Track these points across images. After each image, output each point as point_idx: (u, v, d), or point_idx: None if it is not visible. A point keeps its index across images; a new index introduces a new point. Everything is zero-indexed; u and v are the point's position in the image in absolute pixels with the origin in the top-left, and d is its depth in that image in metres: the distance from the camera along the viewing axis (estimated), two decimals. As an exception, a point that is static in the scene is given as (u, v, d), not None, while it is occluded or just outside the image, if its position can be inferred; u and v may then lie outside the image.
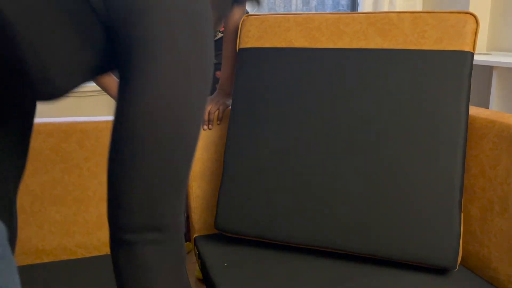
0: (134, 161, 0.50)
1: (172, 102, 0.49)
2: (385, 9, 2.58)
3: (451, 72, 0.92)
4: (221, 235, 1.06)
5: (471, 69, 0.92)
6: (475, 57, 2.00)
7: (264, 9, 2.64)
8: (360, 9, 2.66)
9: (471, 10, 2.31)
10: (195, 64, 0.50)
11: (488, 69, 2.26)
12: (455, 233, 0.86)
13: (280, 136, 0.97)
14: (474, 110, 0.98)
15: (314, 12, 1.11)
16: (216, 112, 1.12)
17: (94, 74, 0.54)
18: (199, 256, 1.00)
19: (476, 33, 0.94)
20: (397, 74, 0.94)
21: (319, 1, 2.88)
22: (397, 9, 2.57)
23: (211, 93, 1.28)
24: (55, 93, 0.50)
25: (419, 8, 2.58)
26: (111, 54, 0.52)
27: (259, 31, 1.06)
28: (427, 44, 0.95)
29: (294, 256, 0.94)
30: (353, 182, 0.92)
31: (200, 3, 0.51)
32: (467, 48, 0.93)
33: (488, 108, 2.21)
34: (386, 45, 0.97)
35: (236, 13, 1.13)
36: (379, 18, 0.99)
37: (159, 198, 0.52)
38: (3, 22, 0.42)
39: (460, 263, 0.95)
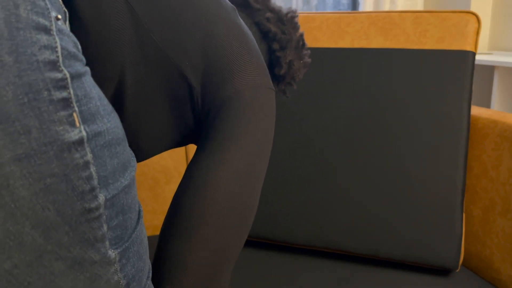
0: (205, 230, 0.48)
1: (248, 176, 0.52)
2: (386, 8, 2.58)
3: (452, 72, 0.91)
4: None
5: (473, 68, 0.92)
6: (477, 57, 1.99)
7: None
8: (361, 9, 2.65)
9: (472, 9, 2.30)
10: (267, 149, 0.55)
11: (490, 69, 2.25)
12: (457, 233, 0.86)
13: (280, 136, 0.97)
14: (476, 110, 0.98)
15: (315, 11, 1.10)
16: None
17: (172, 147, 0.59)
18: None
19: (478, 33, 0.93)
20: (398, 74, 0.94)
21: (320, 0, 2.88)
22: (398, 9, 2.56)
23: None
24: (138, 157, 0.56)
25: (420, 7, 2.58)
26: (192, 134, 0.57)
27: (260, 30, 1.05)
28: (429, 44, 0.94)
29: (295, 256, 0.93)
30: (354, 182, 0.91)
31: (272, 99, 0.57)
32: (469, 47, 0.92)
33: (489, 108, 2.20)
34: (387, 45, 0.97)
35: None
36: (380, 18, 0.99)
37: (218, 273, 0.50)
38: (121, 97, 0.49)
39: (462, 264, 0.95)
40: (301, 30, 0.69)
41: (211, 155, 0.51)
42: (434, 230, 0.86)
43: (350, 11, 1.03)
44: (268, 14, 0.66)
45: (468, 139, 0.89)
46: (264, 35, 0.66)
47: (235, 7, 0.60)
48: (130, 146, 0.53)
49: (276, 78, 0.70)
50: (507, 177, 0.85)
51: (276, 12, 0.67)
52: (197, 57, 0.52)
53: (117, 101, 0.49)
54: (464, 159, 0.88)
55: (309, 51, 0.71)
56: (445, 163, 0.88)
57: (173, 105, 0.53)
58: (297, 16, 0.69)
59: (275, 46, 0.66)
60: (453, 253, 0.85)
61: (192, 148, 1.17)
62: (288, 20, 0.67)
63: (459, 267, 0.86)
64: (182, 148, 1.16)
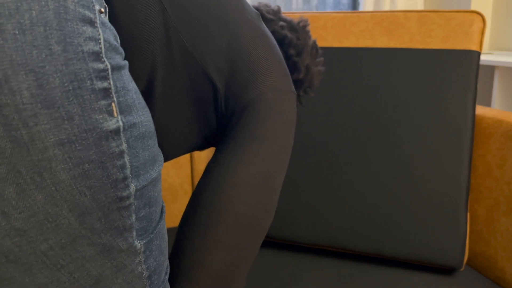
0: (222, 229, 0.48)
1: (267, 178, 0.52)
2: (387, 8, 2.58)
3: (457, 71, 0.92)
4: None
5: (478, 68, 0.92)
6: (477, 57, 1.99)
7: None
8: (361, 8, 2.65)
9: (472, 9, 2.30)
10: (287, 152, 0.56)
11: (490, 69, 2.26)
12: (461, 233, 0.86)
13: (285, 135, 0.97)
14: (480, 110, 0.98)
15: (315, 11, 1.11)
16: None
17: (194, 149, 0.60)
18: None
19: (483, 33, 0.93)
20: (403, 73, 0.94)
21: (320, 0, 2.87)
22: (399, 8, 2.56)
23: None
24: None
25: (420, 7, 2.58)
26: (214, 137, 0.58)
27: (264, 29, 1.05)
28: (434, 43, 0.94)
29: (297, 255, 0.93)
30: (358, 181, 0.91)
31: (293, 103, 0.58)
32: (474, 47, 0.92)
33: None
34: (392, 44, 0.97)
35: None
36: (385, 17, 0.99)
37: (234, 274, 0.50)
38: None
39: (466, 263, 0.95)
40: (313, 38, 0.71)
41: (231, 155, 0.51)
42: (439, 229, 0.86)
43: (354, 10, 1.03)
44: (282, 23, 0.68)
45: (473, 138, 0.90)
46: (280, 43, 0.68)
47: (258, 13, 0.61)
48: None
49: (295, 84, 0.71)
50: (511, 177, 0.85)
51: (288, 21, 0.69)
52: (223, 59, 0.52)
53: (146, 100, 0.50)
54: (468, 159, 0.88)
55: (322, 59, 0.73)
56: (449, 162, 0.88)
57: (197, 106, 0.53)
58: (309, 24, 0.71)
59: (292, 51, 0.67)
60: (458, 252, 0.85)
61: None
62: (300, 29, 0.69)
63: (463, 266, 0.86)
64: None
